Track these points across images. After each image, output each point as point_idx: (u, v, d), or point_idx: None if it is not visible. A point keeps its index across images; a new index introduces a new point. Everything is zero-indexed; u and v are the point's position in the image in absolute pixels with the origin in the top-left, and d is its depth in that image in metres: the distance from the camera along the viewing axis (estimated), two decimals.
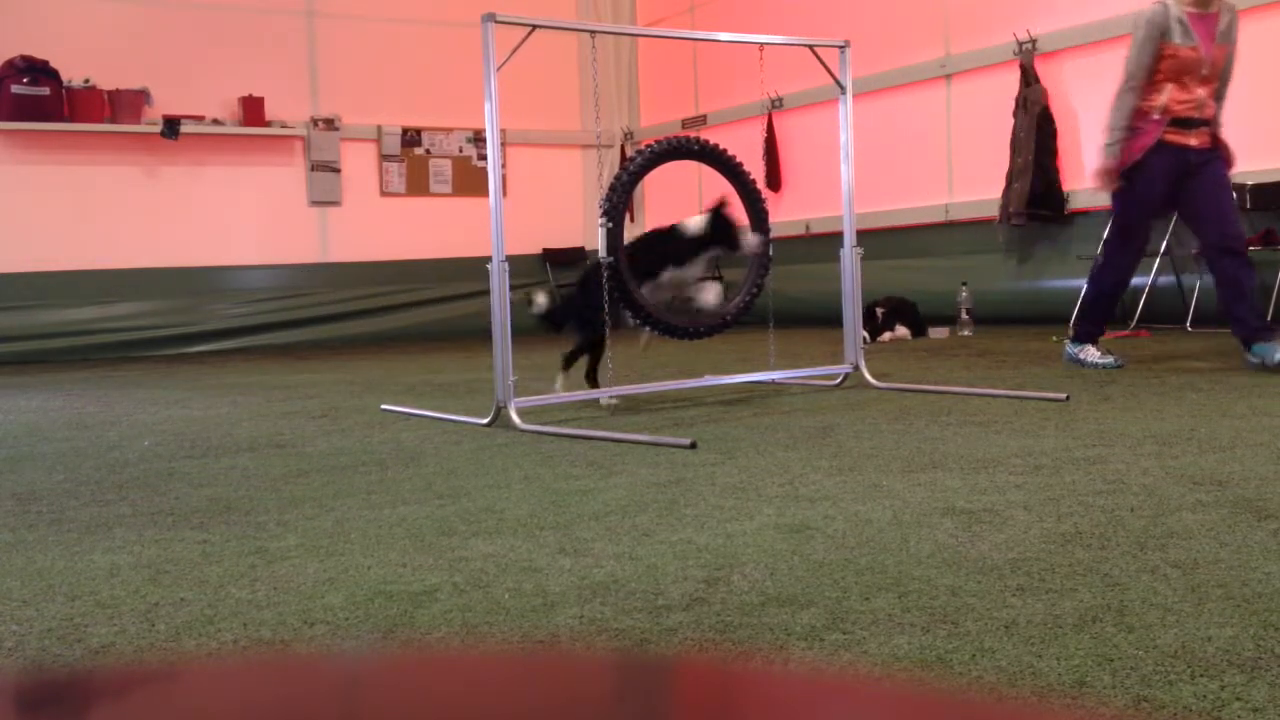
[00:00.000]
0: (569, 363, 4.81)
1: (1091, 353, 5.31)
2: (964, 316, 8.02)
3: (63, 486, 3.20)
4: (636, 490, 2.83)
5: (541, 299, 4.87)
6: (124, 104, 9.58)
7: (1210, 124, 5.10)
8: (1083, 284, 7.82)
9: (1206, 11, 5.08)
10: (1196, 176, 5.04)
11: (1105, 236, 5.75)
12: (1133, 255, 5.33)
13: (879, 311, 8.11)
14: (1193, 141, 5.03)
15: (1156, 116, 5.01)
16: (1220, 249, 5.02)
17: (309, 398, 5.53)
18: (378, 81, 10.86)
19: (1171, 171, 5.05)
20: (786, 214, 10.06)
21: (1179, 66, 5.00)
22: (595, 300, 4.48)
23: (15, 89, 9.27)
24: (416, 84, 11.00)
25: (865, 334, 8.09)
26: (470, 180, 11.28)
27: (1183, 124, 5.03)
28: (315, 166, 10.72)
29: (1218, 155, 5.12)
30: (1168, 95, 5.01)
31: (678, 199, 11.55)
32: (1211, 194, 5.05)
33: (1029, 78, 8.38)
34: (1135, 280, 7.85)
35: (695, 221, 4.58)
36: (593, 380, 4.77)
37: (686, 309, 4.67)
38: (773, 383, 5.18)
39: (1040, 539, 2.18)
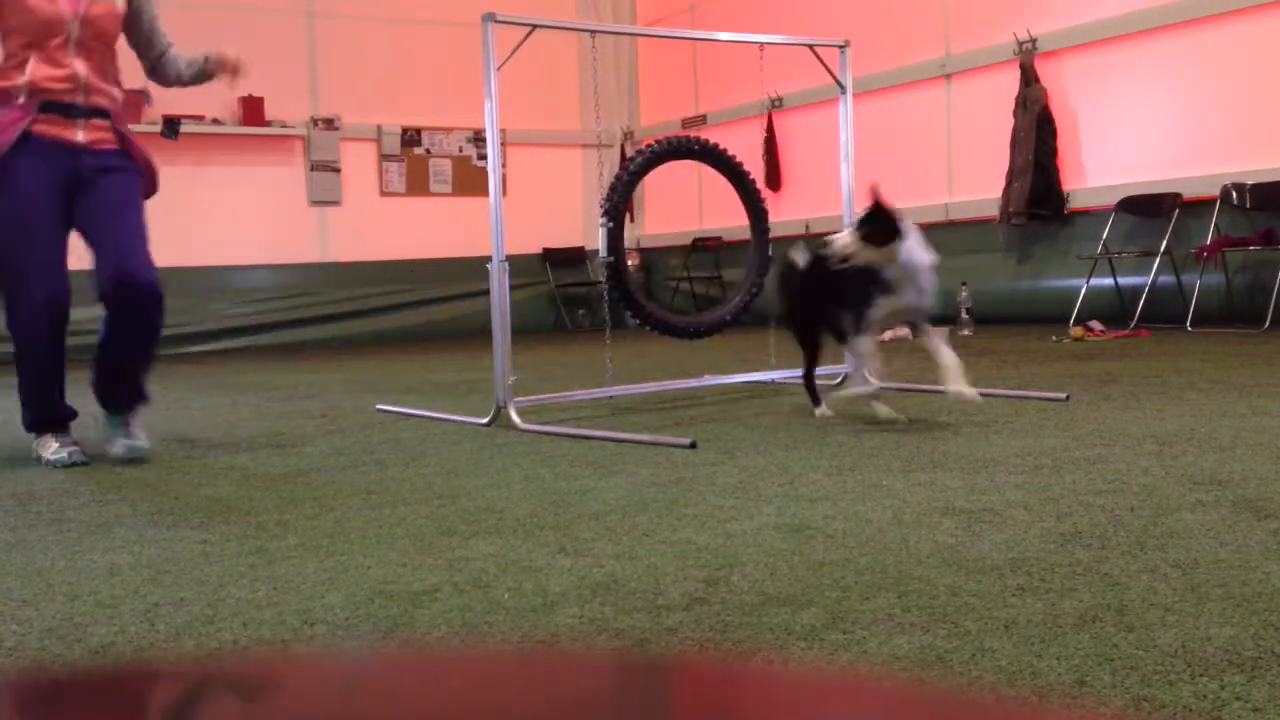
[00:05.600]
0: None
1: (51, 446, 3.63)
2: (964, 316, 8.02)
3: (63, 486, 3.20)
4: (636, 490, 2.83)
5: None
6: (124, 104, 9.57)
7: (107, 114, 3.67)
8: (1082, 284, 7.87)
9: None
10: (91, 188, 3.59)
11: None
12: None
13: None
14: (79, 136, 3.59)
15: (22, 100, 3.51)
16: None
17: (309, 398, 5.53)
18: (378, 81, 10.86)
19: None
20: (786, 214, 10.05)
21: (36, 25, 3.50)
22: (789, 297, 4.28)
23: None
24: (416, 84, 11.00)
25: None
26: (470, 180, 11.27)
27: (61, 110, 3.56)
28: (315, 166, 10.72)
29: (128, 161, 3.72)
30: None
31: (678, 199, 11.56)
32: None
33: (1029, 77, 8.38)
34: (1135, 280, 7.94)
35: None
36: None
37: None
38: (773, 383, 5.17)
39: (1040, 539, 2.18)
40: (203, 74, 3.93)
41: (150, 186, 3.84)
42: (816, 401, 4.19)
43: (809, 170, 10.18)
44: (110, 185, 3.61)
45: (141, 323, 3.53)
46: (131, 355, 3.63)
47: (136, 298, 3.47)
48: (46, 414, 3.66)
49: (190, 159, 9.99)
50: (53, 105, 3.51)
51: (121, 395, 3.66)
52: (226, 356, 9.15)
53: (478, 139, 11.30)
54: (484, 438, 3.89)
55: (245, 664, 0.69)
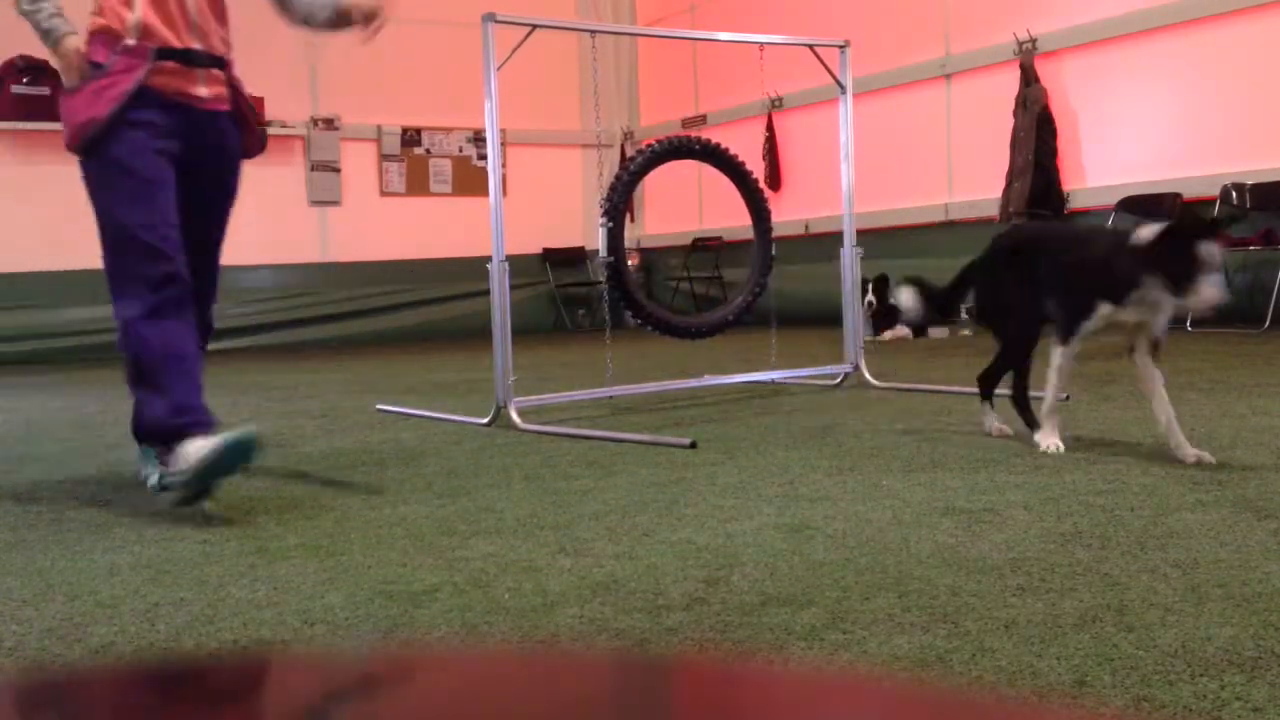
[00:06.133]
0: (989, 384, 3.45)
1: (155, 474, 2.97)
2: (964, 316, 8.02)
3: (63, 487, 3.20)
4: (636, 490, 2.83)
5: (908, 299, 3.56)
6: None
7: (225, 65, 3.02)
8: None
9: None
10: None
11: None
12: None
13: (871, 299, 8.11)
14: (202, 91, 2.95)
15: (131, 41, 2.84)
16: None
17: (309, 398, 5.53)
18: (378, 81, 10.85)
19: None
20: (786, 214, 10.05)
21: None
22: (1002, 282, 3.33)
23: (15, 89, 9.27)
24: (416, 84, 11.00)
25: (871, 299, 8.07)
26: (470, 180, 11.27)
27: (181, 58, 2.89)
28: (315, 166, 10.72)
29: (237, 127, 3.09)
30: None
31: (678, 199, 11.56)
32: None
33: (1029, 77, 8.38)
34: None
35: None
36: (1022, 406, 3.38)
37: None
38: (773, 383, 5.17)
39: (1040, 539, 2.18)
40: (341, 18, 3.26)
41: (257, 145, 3.19)
42: (1033, 424, 3.28)
43: (809, 170, 10.18)
44: (215, 192, 3.12)
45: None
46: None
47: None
48: (156, 424, 2.85)
49: None
50: (170, 51, 2.83)
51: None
52: (227, 356, 9.15)
53: (478, 139, 11.30)
54: (484, 438, 3.89)
55: (245, 664, 0.69)
